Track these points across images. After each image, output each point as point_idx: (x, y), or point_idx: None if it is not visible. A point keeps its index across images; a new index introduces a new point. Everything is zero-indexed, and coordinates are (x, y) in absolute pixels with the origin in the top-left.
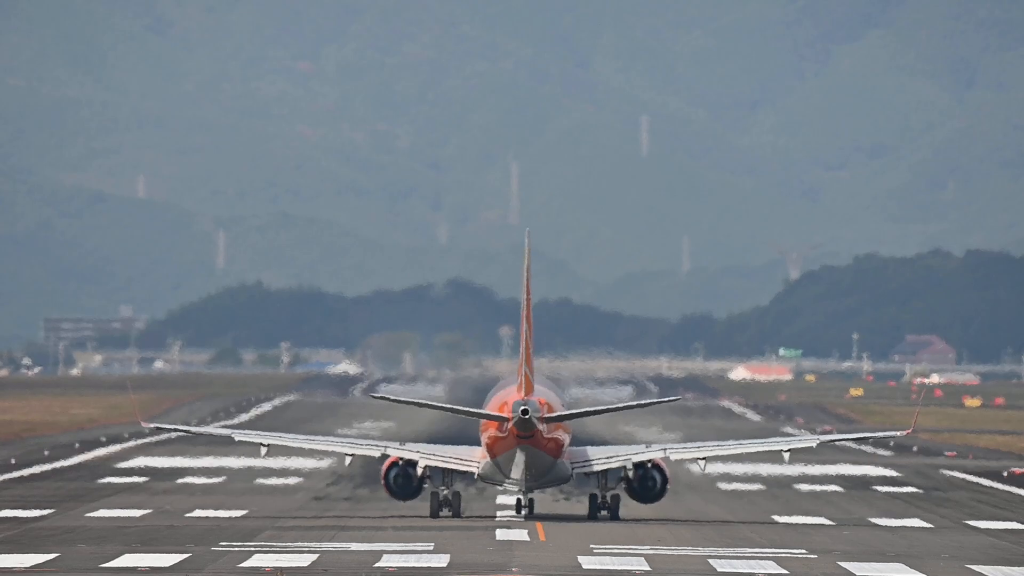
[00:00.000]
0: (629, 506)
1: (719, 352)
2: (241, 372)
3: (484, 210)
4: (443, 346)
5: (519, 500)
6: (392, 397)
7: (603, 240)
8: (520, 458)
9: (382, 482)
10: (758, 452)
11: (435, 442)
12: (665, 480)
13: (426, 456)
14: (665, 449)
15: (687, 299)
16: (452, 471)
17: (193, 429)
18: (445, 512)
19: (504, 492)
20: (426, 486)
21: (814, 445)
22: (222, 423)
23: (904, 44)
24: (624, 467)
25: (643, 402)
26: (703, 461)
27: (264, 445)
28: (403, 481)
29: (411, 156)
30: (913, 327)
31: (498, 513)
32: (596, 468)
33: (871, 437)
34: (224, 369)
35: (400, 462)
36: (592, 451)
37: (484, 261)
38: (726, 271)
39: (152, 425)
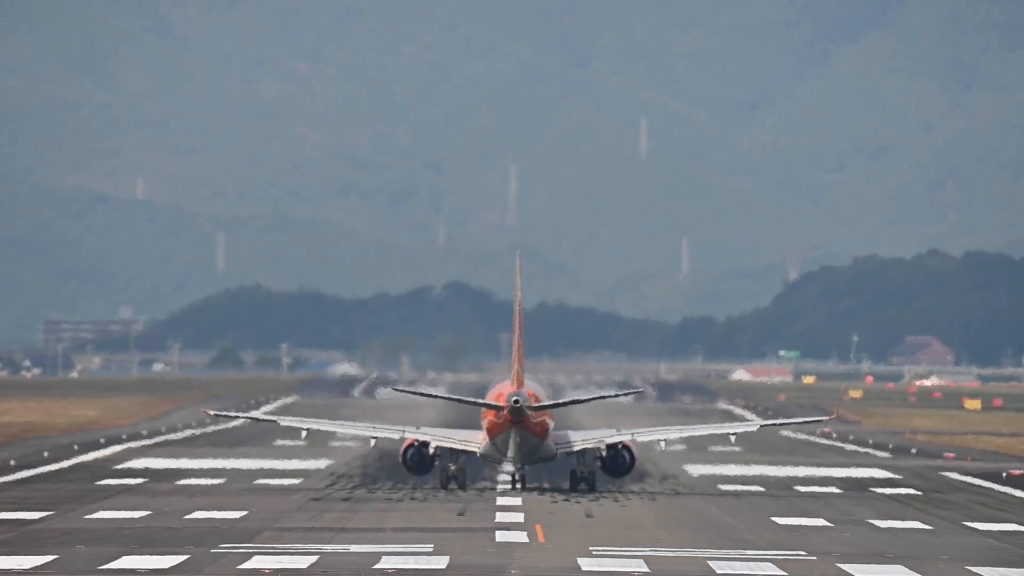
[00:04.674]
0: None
1: (719, 354)
2: (241, 374)
3: (484, 211)
4: (442, 349)
5: (512, 475)
6: (411, 390)
7: (602, 241)
8: (513, 439)
9: (400, 460)
10: (755, 453)
11: None
12: (633, 458)
13: (437, 438)
14: (632, 433)
15: (686, 301)
16: (458, 451)
17: (244, 415)
18: (452, 485)
19: (501, 467)
20: (436, 463)
21: (755, 429)
22: (222, 425)
23: (903, 45)
24: (599, 447)
25: (609, 394)
26: (663, 442)
27: (304, 430)
28: (418, 459)
29: (411, 157)
30: (912, 328)
31: (499, 486)
32: (576, 448)
33: (804, 422)
34: (224, 371)
35: (416, 443)
36: (573, 434)
37: (483, 262)
38: (726, 273)
39: (212, 412)
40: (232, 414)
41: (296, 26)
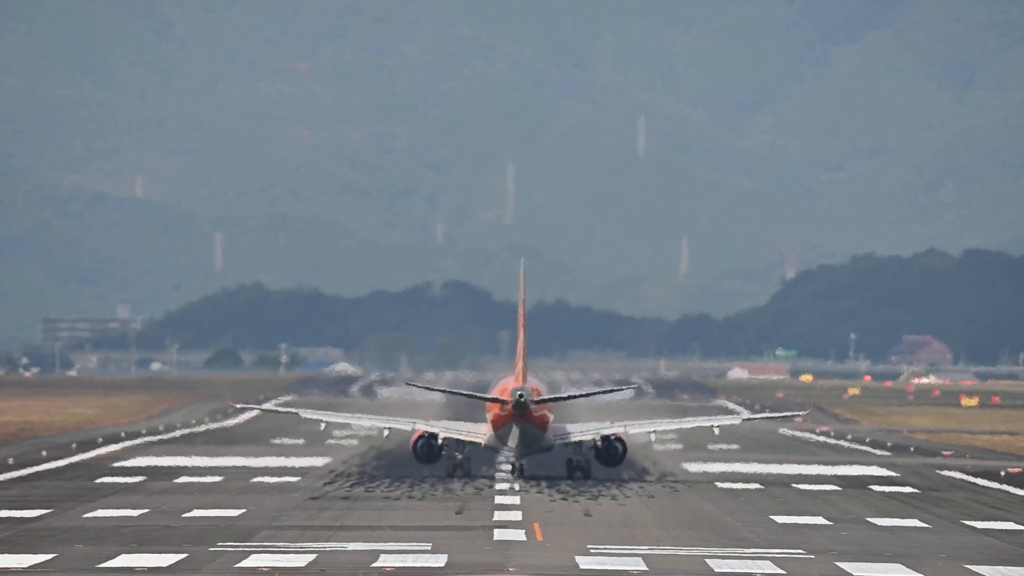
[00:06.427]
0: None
1: (717, 352)
2: (240, 373)
3: (482, 210)
4: (441, 348)
5: (513, 464)
6: (424, 386)
7: (601, 241)
8: (516, 431)
9: (411, 450)
10: (753, 451)
11: None
12: (625, 449)
13: (445, 430)
14: (625, 425)
15: (685, 300)
16: (464, 441)
17: (267, 408)
18: (459, 473)
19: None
20: (444, 453)
21: (738, 422)
22: (220, 424)
23: (903, 45)
24: (594, 439)
25: (606, 389)
26: (653, 434)
27: (323, 421)
28: (427, 449)
29: (409, 157)
30: (911, 327)
31: (500, 479)
32: (573, 439)
33: (780, 416)
34: (222, 370)
35: (425, 435)
36: (570, 427)
37: (482, 261)
38: (725, 272)
39: (238, 405)
40: (257, 407)
41: (295, 26)
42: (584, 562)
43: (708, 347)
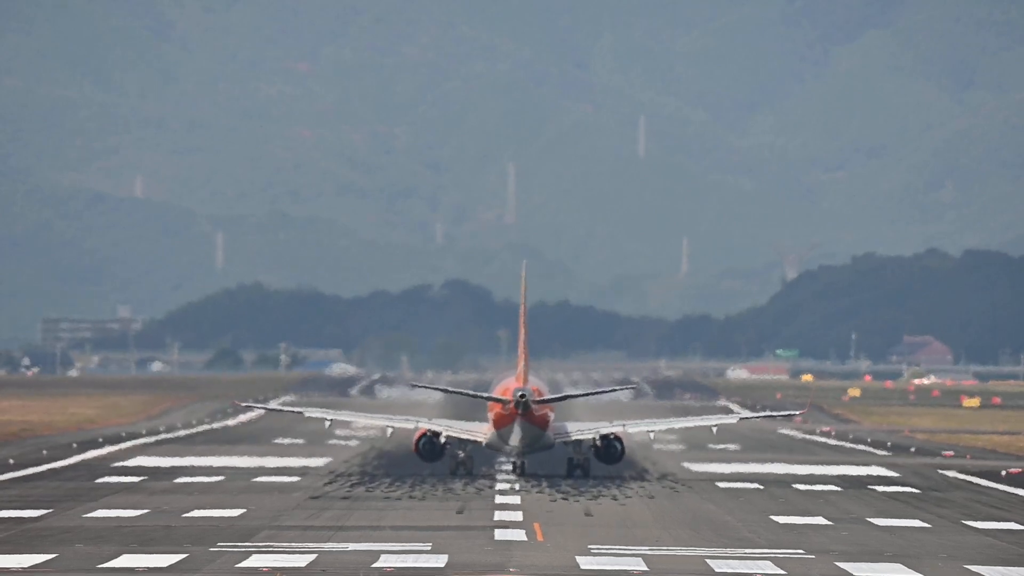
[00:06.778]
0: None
1: (717, 352)
2: (240, 373)
3: (482, 210)
4: (441, 348)
5: (514, 463)
6: (428, 386)
7: (601, 241)
8: (517, 430)
9: (413, 448)
10: (753, 451)
11: None
12: (623, 447)
13: (447, 429)
14: (624, 425)
15: (685, 300)
16: (466, 440)
17: (272, 407)
18: (461, 471)
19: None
20: (446, 452)
21: (735, 422)
22: (221, 423)
23: (903, 45)
24: (594, 438)
25: (606, 389)
26: (652, 433)
27: (328, 420)
28: (429, 447)
29: (409, 157)
30: (911, 327)
31: (498, 477)
32: (573, 438)
33: (777, 415)
34: (223, 370)
35: (428, 433)
36: (570, 426)
37: (482, 261)
38: (725, 272)
39: (243, 403)
40: (262, 406)
41: (295, 26)
42: (584, 562)
43: (708, 347)
